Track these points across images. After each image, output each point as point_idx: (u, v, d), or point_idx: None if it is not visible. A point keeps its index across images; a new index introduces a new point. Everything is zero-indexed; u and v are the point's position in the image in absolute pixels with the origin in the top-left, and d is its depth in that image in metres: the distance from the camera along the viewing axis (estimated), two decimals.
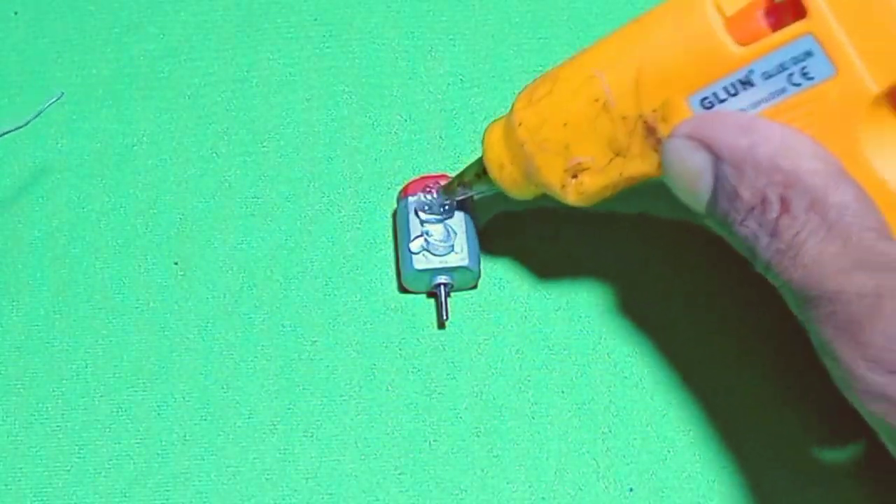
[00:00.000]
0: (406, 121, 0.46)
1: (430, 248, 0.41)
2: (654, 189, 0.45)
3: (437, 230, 0.41)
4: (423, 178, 0.42)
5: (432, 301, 0.43)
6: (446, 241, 0.41)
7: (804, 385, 0.42)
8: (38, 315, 0.42)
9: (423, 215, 0.41)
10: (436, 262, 0.41)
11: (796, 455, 0.41)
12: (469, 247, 0.41)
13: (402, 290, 0.43)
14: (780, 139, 0.29)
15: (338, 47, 0.47)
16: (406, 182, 0.42)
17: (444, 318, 0.41)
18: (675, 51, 0.31)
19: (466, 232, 0.41)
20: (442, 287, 0.41)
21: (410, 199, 0.41)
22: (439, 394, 0.41)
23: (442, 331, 0.42)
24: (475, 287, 0.43)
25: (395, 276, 0.43)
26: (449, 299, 0.42)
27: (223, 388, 0.41)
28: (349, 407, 0.41)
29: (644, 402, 0.42)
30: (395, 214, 0.43)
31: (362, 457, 0.41)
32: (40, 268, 0.43)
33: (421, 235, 0.41)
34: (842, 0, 0.28)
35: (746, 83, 0.30)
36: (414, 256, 0.41)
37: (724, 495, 0.40)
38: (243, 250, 0.43)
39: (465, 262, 0.41)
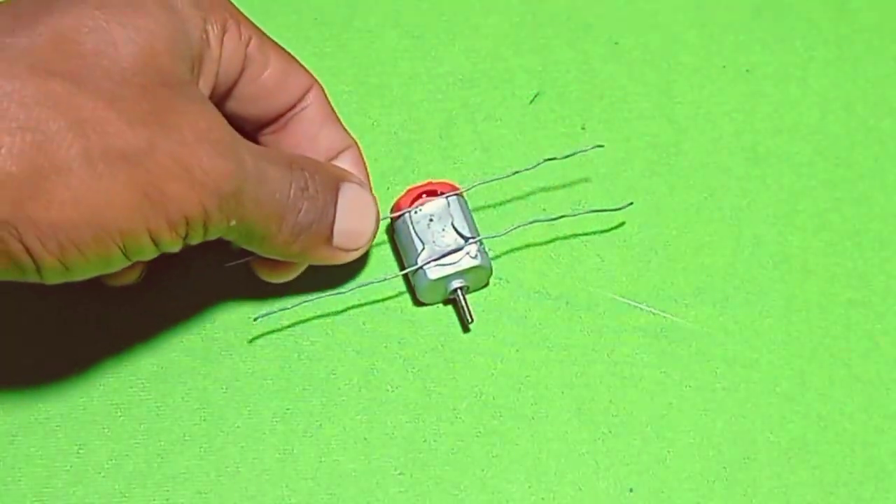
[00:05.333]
0: (406, 121, 0.46)
1: (440, 255, 0.41)
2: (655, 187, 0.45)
3: (442, 236, 0.41)
4: (411, 190, 0.42)
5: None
6: (453, 245, 0.41)
7: (809, 378, 0.42)
8: (39, 316, 0.42)
9: (423, 225, 0.41)
10: (449, 269, 0.41)
11: (802, 451, 0.41)
12: (478, 245, 0.41)
13: (418, 303, 0.43)
14: None
15: (338, 47, 0.47)
16: (397, 198, 0.42)
17: (469, 320, 0.41)
18: None
19: (470, 230, 0.41)
20: (459, 291, 0.41)
21: (407, 211, 0.41)
22: (439, 394, 0.41)
23: (442, 331, 0.42)
24: (487, 285, 0.43)
25: (394, 276, 0.43)
26: (468, 301, 0.42)
27: (223, 388, 0.41)
28: (349, 407, 0.41)
29: (644, 402, 0.42)
30: (390, 231, 0.43)
31: (362, 457, 0.40)
32: None
33: (425, 246, 0.41)
34: None
35: None
36: (426, 268, 0.41)
37: (725, 495, 0.40)
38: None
39: (479, 262, 0.41)
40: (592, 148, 0.43)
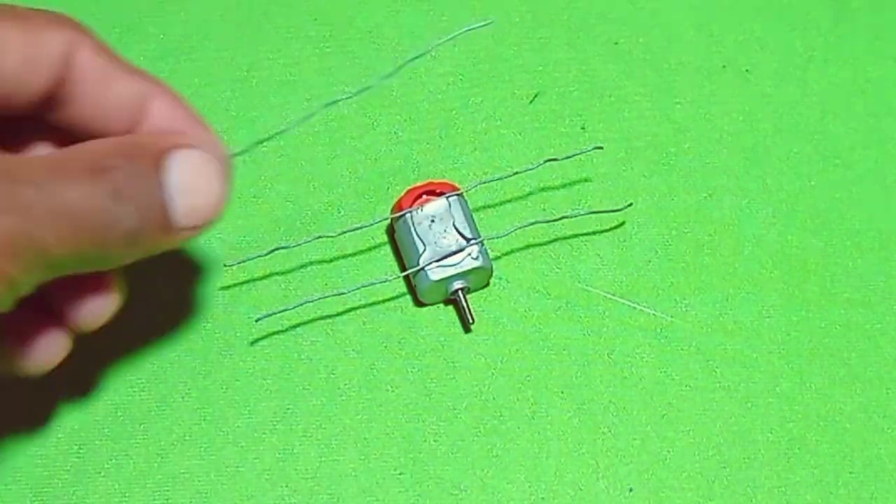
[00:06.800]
0: (406, 121, 0.46)
1: (442, 256, 0.41)
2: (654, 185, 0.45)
3: (444, 237, 0.41)
4: (412, 189, 0.42)
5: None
6: (455, 246, 0.41)
7: (809, 378, 0.42)
8: None
9: (424, 226, 0.41)
10: (451, 270, 0.41)
11: (802, 451, 0.41)
12: (479, 246, 0.41)
13: (419, 304, 0.43)
14: None
15: (338, 47, 0.47)
16: (397, 198, 0.42)
17: (470, 320, 0.41)
18: None
19: (472, 231, 0.41)
20: (460, 291, 0.41)
21: (408, 212, 0.41)
22: (439, 394, 0.41)
23: (442, 331, 0.42)
24: (487, 285, 0.43)
25: (395, 277, 0.42)
26: (468, 301, 0.42)
27: (223, 388, 0.41)
28: (349, 407, 0.41)
29: (644, 402, 0.42)
30: (390, 231, 0.43)
31: (362, 457, 0.41)
32: None
33: (427, 247, 0.41)
34: None
35: None
36: (427, 269, 0.41)
37: (725, 495, 0.40)
38: (243, 250, 0.43)
39: (480, 263, 0.41)
40: (592, 149, 0.43)
